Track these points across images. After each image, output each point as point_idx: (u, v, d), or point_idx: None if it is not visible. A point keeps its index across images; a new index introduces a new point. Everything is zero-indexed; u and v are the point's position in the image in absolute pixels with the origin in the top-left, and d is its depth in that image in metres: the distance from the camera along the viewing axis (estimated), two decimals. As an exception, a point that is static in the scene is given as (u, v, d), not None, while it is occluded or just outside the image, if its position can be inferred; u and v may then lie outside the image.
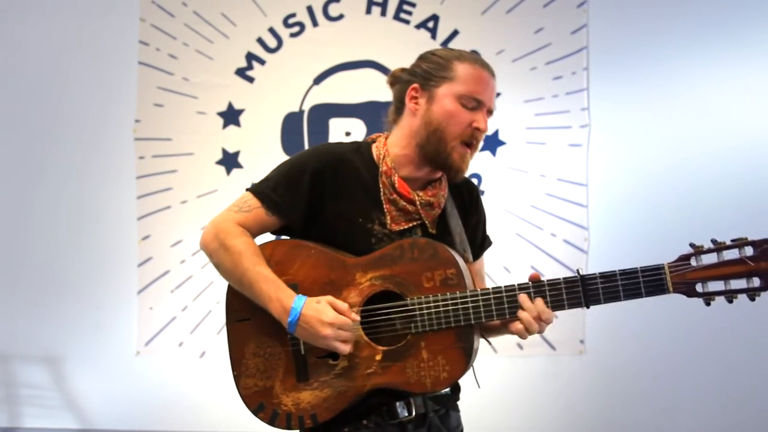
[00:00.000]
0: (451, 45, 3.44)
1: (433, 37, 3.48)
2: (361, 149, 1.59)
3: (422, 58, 1.58)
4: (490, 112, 1.54)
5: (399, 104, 1.59)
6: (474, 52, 1.54)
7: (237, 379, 1.51)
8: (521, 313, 1.40)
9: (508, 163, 3.44)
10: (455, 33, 3.47)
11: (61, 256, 3.57)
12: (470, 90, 1.49)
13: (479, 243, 1.70)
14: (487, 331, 1.56)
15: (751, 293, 1.33)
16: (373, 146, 1.59)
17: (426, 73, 1.53)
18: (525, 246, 3.41)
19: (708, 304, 1.37)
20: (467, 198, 1.67)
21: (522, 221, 3.42)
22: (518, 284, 1.43)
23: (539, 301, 1.40)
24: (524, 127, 3.44)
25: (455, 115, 1.49)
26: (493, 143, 3.44)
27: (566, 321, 3.28)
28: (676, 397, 3.33)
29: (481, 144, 1.55)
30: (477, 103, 1.50)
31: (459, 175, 1.53)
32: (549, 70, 3.43)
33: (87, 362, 3.56)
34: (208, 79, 3.55)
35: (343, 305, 1.42)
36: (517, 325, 1.41)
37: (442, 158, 1.51)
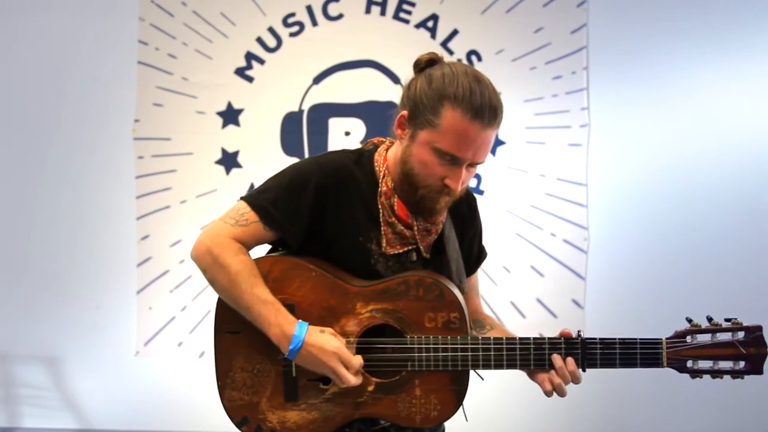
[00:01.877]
0: (451, 45, 3.44)
1: (433, 36, 3.47)
2: (363, 160, 1.52)
3: (426, 77, 1.40)
4: (475, 164, 1.42)
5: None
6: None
7: (221, 390, 1.51)
8: (553, 376, 1.42)
9: (507, 162, 3.43)
10: (455, 32, 3.46)
11: (60, 256, 3.57)
12: (449, 147, 1.36)
13: (475, 257, 1.66)
14: None
15: (736, 375, 1.42)
16: (375, 158, 1.52)
17: (415, 107, 1.39)
18: (525, 246, 3.40)
19: (693, 378, 1.45)
20: (466, 212, 1.62)
21: (522, 221, 3.41)
22: (519, 338, 1.44)
23: (570, 362, 1.42)
24: (524, 127, 3.43)
25: (428, 166, 1.39)
26: (493, 143, 3.44)
27: (566, 322, 3.28)
28: (675, 398, 3.33)
29: (462, 188, 1.45)
30: (454, 160, 1.38)
31: (432, 214, 1.47)
32: (549, 69, 3.42)
33: (86, 362, 3.56)
34: (208, 78, 3.55)
35: (341, 341, 1.40)
36: (546, 386, 1.43)
37: (413, 199, 1.45)
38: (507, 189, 3.41)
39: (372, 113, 3.45)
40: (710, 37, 3.35)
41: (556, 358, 1.41)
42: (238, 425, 1.49)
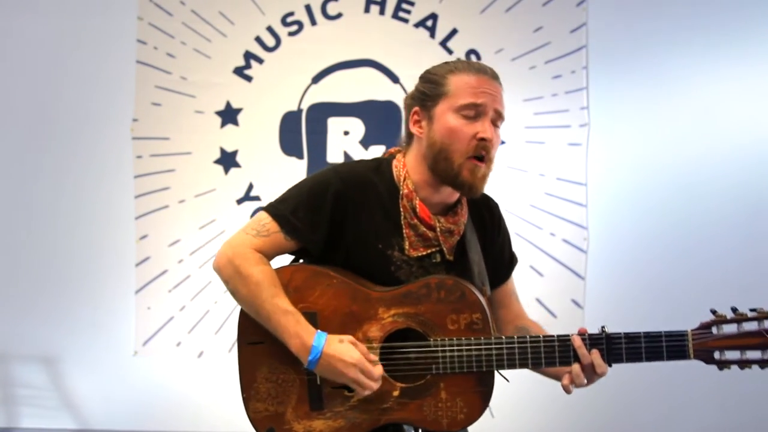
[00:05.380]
0: (450, 44, 3.43)
1: (432, 35, 3.46)
2: (382, 168, 1.54)
3: (420, 78, 1.53)
4: (499, 116, 1.46)
5: (408, 130, 1.54)
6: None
7: (246, 401, 1.49)
8: (574, 366, 1.40)
9: (507, 162, 3.42)
10: (454, 32, 3.46)
11: (58, 256, 3.56)
12: (467, 99, 1.43)
13: (507, 262, 1.69)
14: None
15: (765, 364, 1.40)
16: (393, 164, 1.54)
17: (423, 95, 1.49)
18: (524, 246, 3.40)
19: (721, 369, 1.42)
20: (488, 217, 1.63)
21: (521, 221, 3.41)
22: (543, 336, 1.43)
23: (595, 353, 1.39)
24: (523, 126, 3.42)
25: (456, 130, 1.43)
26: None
27: (566, 322, 3.28)
28: (676, 398, 3.32)
29: (495, 153, 1.47)
30: (477, 110, 1.43)
31: (474, 191, 1.47)
32: (548, 68, 3.41)
33: (84, 362, 3.55)
34: (206, 78, 3.54)
35: (362, 348, 1.40)
36: (564, 380, 1.42)
37: (452, 178, 1.45)
38: (506, 189, 3.40)
39: (371, 113, 3.44)
40: (710, 36, 3.34)
41: (575, 338, 1.40)
42: None
